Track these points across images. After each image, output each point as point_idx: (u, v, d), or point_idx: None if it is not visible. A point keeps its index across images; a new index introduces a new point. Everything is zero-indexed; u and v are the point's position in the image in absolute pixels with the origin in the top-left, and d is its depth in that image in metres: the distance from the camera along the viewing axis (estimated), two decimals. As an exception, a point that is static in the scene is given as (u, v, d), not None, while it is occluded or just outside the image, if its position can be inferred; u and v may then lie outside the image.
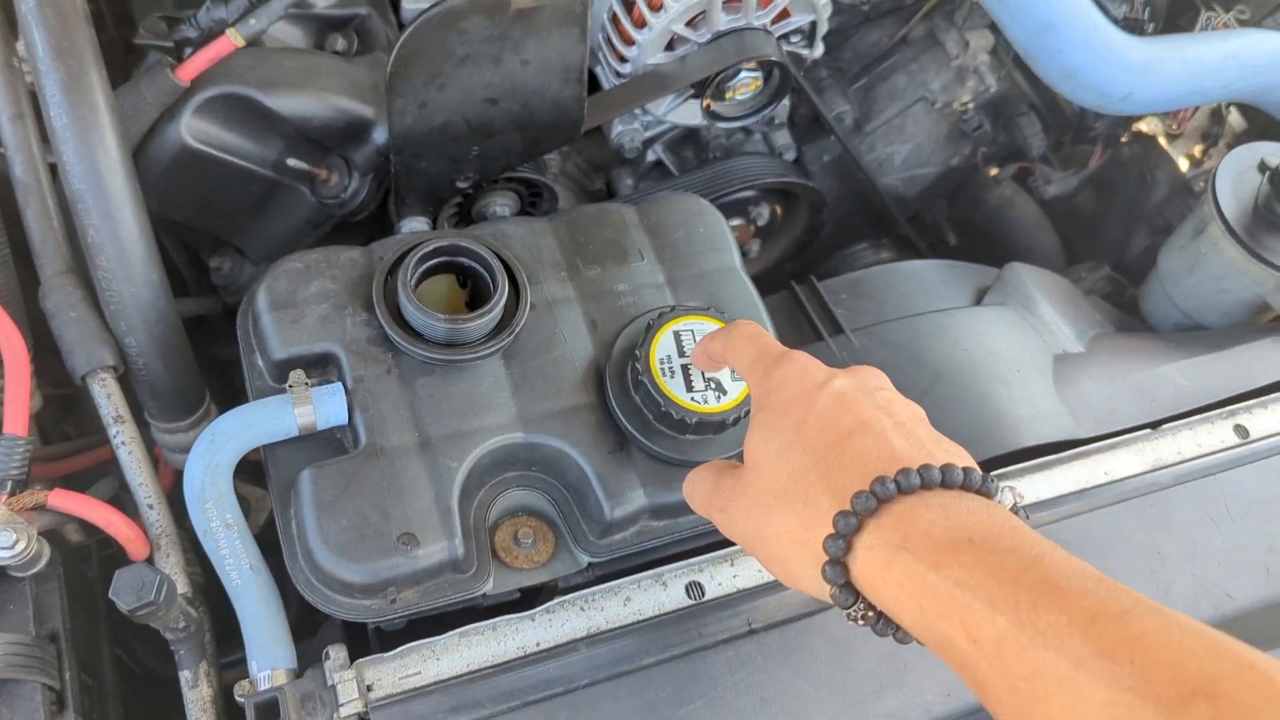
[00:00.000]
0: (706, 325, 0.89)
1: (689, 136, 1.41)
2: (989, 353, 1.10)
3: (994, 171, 1.62)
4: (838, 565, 0.60)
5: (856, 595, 0.60)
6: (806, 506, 0.62)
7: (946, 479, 0.59)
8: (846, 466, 0.62)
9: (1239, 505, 0.93)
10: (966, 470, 0.59)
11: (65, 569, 0.86)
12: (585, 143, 1.39)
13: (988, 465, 0.95)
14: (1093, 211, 1.69)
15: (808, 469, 0.63)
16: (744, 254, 1.06)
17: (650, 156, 1.41)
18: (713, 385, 0.87)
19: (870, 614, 0.60)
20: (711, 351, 0.80)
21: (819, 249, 1.53)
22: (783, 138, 1.43)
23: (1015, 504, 0.62)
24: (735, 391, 0.87)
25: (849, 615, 0.61)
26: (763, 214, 1.41)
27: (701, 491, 0.74)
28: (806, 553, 0.62)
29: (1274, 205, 1.15)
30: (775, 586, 0.86)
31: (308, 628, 0.93)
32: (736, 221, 1.40)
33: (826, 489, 0.61)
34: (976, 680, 0.53)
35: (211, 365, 1.31)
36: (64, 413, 1.27)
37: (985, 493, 0.60)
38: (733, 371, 0.88)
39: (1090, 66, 1.15)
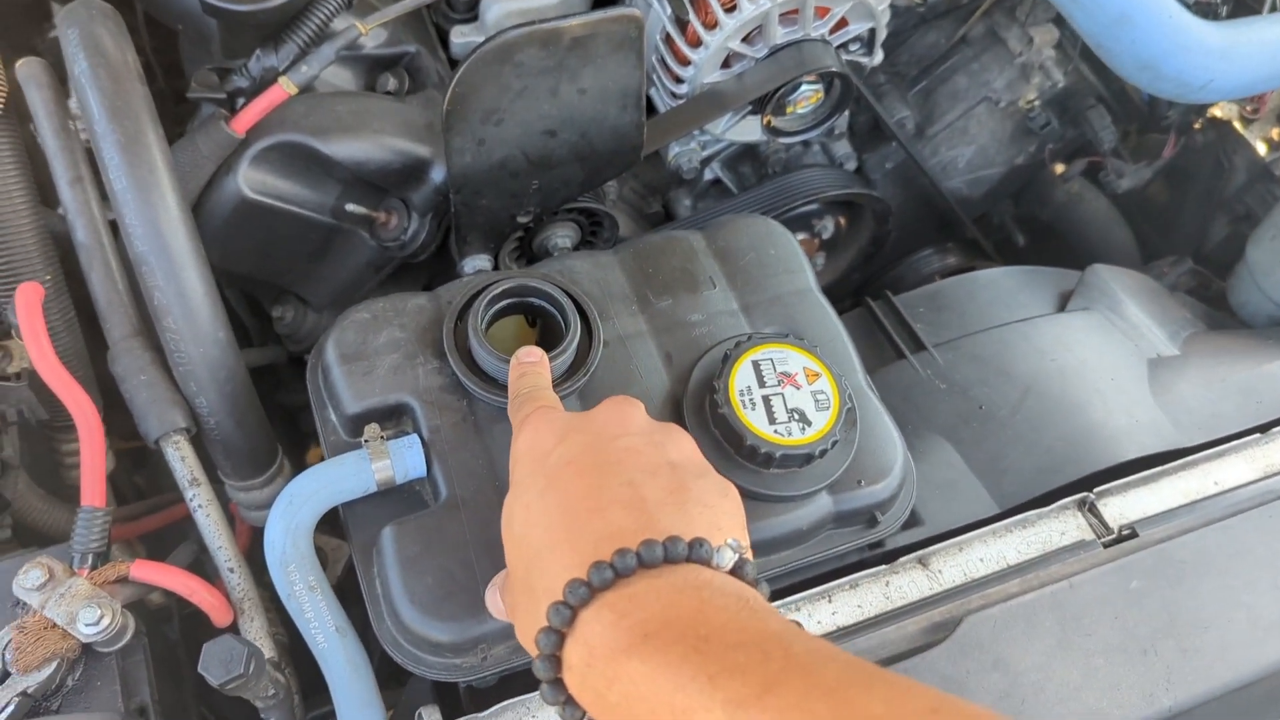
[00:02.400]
0: (786, 353, 0.86)
1: (747, 152, 1.37)
2: (1079, 361, 1.05)
3: (1060, 169, 1.57)
4: (556, 684, 0.56)
5: (584, 712, 0.57)
6: (529, 609, 0.59)
7: (646, 559, 0.54)
8: (562, 558, 0.57)
9: (1365, 511, 0.88)
10: (667, 544, 0.55)
11: (149, 634, 0.84)
12: (641, 165, 1.36)
13: (1089, 481, 0.92)
14: (1165, 203, 1.63)
15: (531, 563, 0.60)
16: (809, 268, 1.04)
17: (708, 175, 1.38)
18: (796, 416, 0.83)
19: None
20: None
21: (884, 258, 1.48)
22: (843, 148, 1.39)
23: (739, 559, 0.57)
24: (820, 422, 0.83)
25: None
26: (827, 227, 1.37)
27: (491, 595, 0.71)
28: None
29: (1372, 189, 1.10)
30: (876, 624, 0.83)
31: (397, 676, 0.91)
32: (801, 236, 1.36)
33: (545, 591, 0.57)
34: None
35: (278, 412, 1.30)
36: (135, 466, 1.26)
37: (699, 560, 0.55)
38: (816, 401, 0.84)
39: (1168, 56, 1.10)
